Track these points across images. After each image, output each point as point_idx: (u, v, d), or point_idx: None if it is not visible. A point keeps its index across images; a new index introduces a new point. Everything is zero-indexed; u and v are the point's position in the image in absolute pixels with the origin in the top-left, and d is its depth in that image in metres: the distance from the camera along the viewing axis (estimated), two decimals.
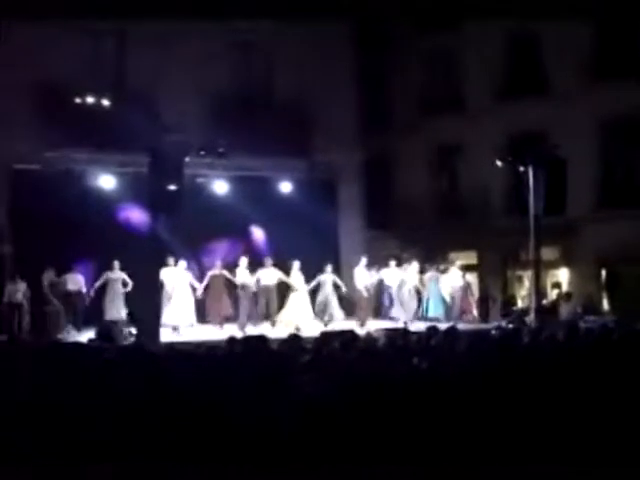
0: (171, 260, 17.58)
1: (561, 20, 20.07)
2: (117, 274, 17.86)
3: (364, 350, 7.95)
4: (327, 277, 18.70)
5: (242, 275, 17.98)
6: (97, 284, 17.79)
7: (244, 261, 18.09)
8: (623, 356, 7.31)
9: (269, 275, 18.07)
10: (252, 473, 4.41)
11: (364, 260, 19.31)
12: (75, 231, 17.82)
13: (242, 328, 17.01)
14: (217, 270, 18.18)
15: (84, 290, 17.82)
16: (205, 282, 17.96)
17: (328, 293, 18.56)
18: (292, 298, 18.37)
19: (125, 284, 17.86)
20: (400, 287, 19.45)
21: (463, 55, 23.82)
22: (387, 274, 19.90)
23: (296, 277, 18.39)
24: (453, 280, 19.92)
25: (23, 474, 4.44)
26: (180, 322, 17.35)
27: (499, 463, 4.49)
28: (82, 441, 4.69)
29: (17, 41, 18.45)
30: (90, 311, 17.66)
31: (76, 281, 17.81)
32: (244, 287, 17.87)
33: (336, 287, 18.79)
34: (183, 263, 17.95)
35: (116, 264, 17.76)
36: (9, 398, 5.51)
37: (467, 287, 20.41)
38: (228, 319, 18.00)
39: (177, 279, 17.65)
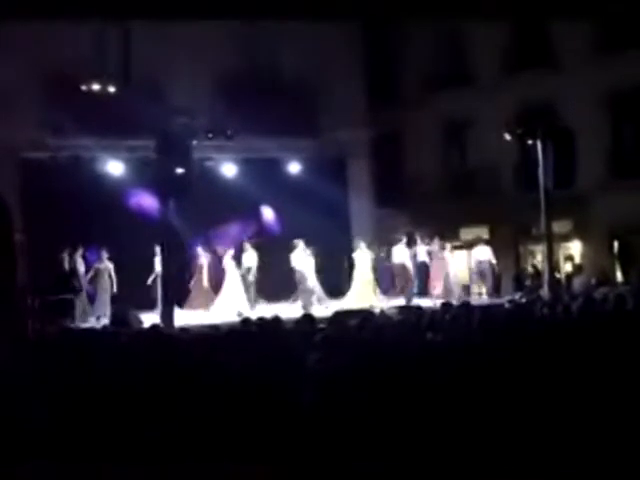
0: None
1: None
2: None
3: (379, 328, 7.93)
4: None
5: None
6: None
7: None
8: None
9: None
10: (268, 443, 4.45)
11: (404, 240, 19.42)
12: (85, 218, 17.85)
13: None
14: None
15: None
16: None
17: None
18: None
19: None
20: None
21: (470, 29, 23.58)
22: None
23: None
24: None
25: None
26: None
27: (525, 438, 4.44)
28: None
29: (22, 28, 18.28)
30: None
31: None
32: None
33: None
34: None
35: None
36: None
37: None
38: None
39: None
